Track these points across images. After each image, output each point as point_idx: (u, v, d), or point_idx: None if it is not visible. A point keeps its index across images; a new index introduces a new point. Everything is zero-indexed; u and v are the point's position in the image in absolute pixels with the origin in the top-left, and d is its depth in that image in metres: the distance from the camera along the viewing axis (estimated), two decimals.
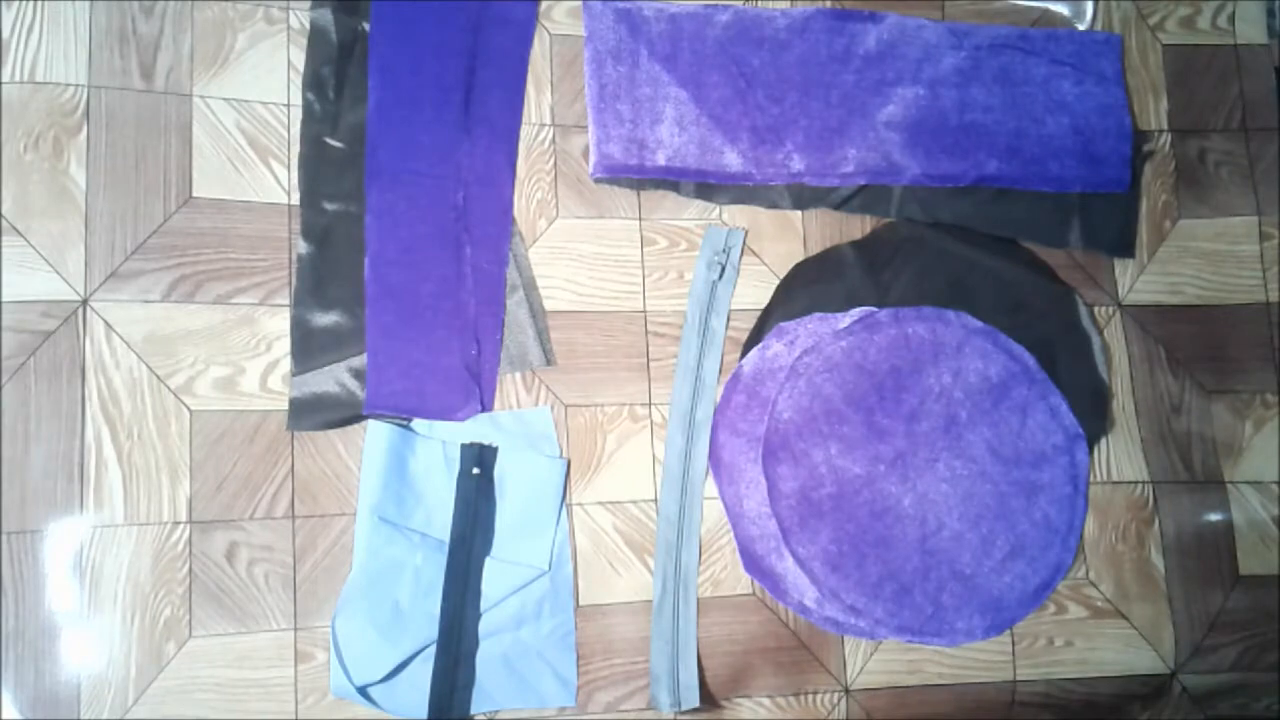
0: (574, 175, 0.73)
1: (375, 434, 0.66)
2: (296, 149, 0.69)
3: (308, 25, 0.71)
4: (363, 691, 0.63)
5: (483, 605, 0.66)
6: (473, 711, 0.65)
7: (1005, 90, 0.78)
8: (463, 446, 0.67)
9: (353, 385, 0.67)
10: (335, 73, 0.70)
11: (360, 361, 0.67)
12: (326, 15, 0.71)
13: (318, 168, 0.69)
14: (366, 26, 0.71)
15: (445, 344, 0.68)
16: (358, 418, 0.67)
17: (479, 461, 0.67)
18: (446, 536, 0.66)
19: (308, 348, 0.67)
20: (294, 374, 0.66)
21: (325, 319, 0.67)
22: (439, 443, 0.67)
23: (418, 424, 0.68)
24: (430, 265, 0.69)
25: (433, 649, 0.64)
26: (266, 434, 0.65)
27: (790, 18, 0.77)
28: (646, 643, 0.68)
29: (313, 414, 0.66)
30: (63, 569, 0.61)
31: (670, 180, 0.74)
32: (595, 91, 0.74)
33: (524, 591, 0.66)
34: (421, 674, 0.64)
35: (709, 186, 0.74)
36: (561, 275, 0.72)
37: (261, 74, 0.69)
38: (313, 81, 0.70)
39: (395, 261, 0.68)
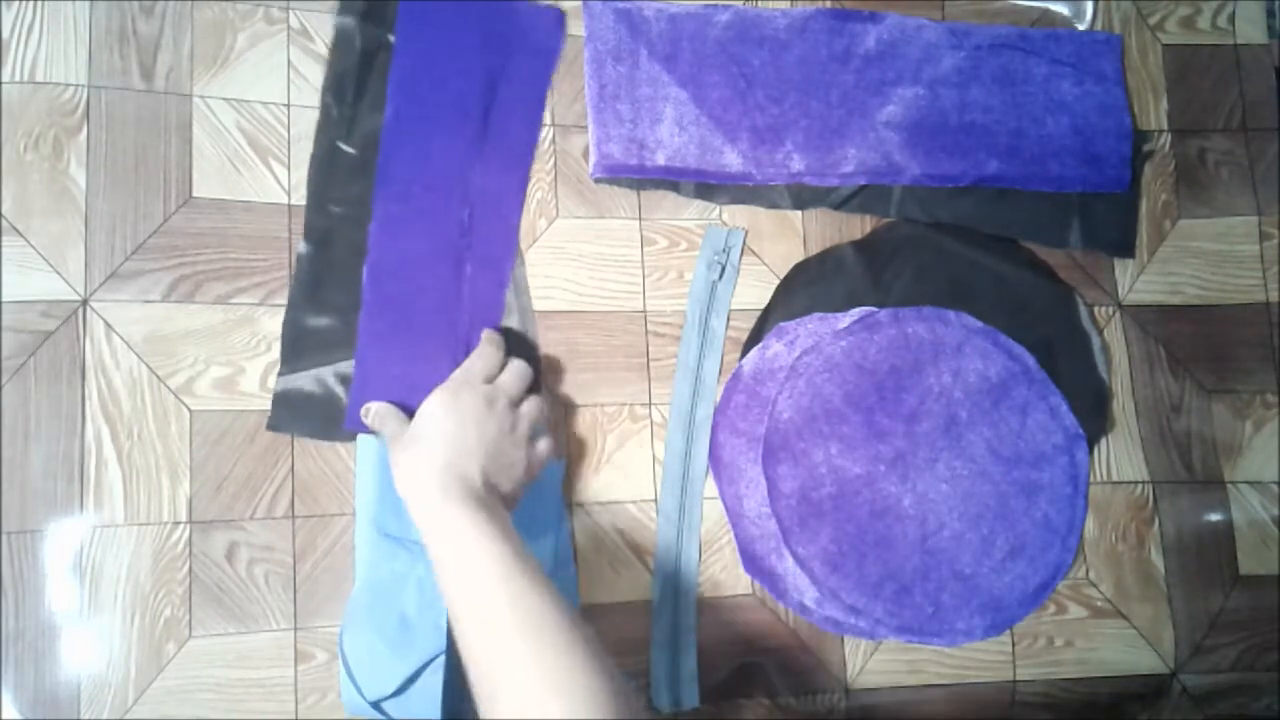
0: (574, 175, 0.73)
1: (365, 448, 0.66)
2: (294, 148, 0.69)
3: (332, 29, 0.70)
4: (376, 706, 0.63)
5: None
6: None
7: (1005, 90, 0.78)
8: None
9: (338, 390, 0.66)
10: (356, 80, 0.70)
11: (347, 367, 0.67)
12: (351, 22, 0.70)
13: (328, 171, 0.69)
14: (391, 38, 0.71)
15: (435, 360, 0.67)
16: (340, 432, 0.66)
17: None
18: None
19: (297, 348, 0.67)
20: (280, 373, 0.66)
21: (318, 321, 0.67)
22: None
23: None
24: (429, 278, 0.69)
25: (442, 658, 0.64)
26: (266, 434, 0.65)
27: (790, 18, 0.77)
28: (646, 643, 0.68)
29: (294, 415, 0.66)
30: (63, 569, 0.61)
31: (670, 180, 0.74)
32: (595, 91, 0.74)
33: None
34: (433, 684, 0.64)
35: (709, 186, 0.74)
36: (561, 275, 0.72)
37: (261, 74, 0.69)
38: (333, 85, 0.70)
39: (394, 272, 0.68)
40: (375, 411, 0.64)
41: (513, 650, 0.49)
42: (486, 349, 0.65)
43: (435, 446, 0.59)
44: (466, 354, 0.67)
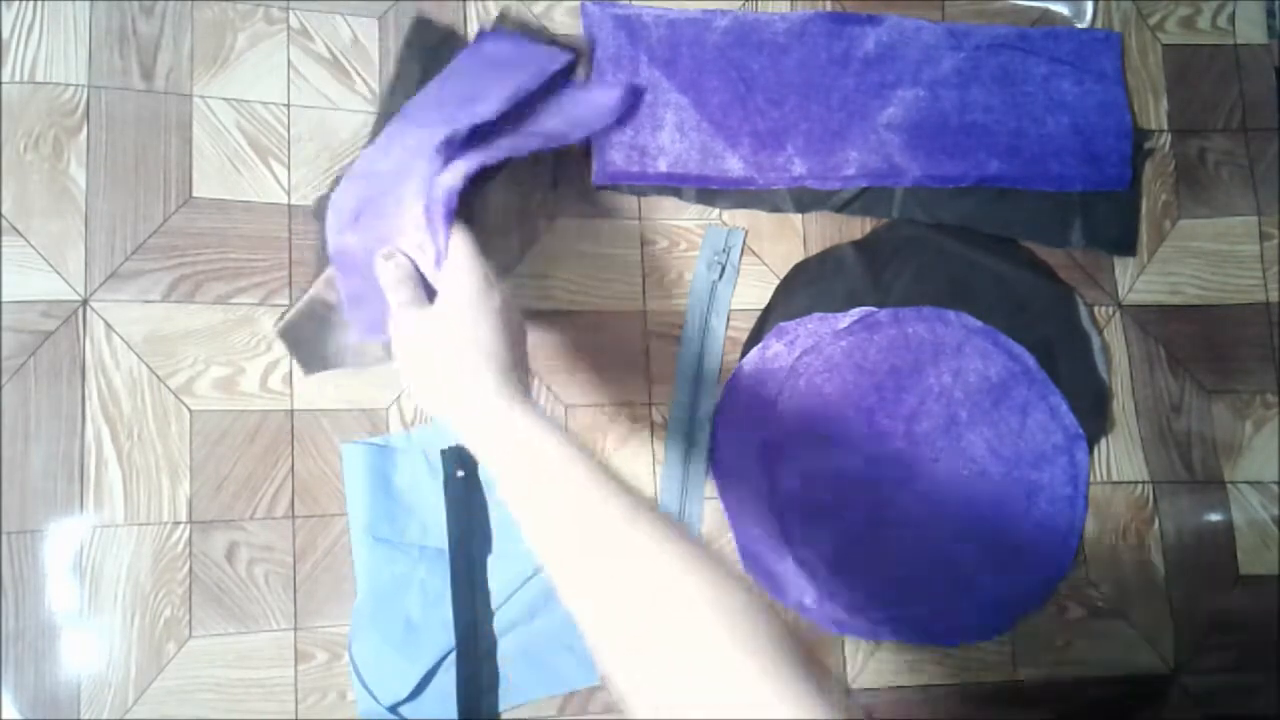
0: (574, 175, 0.73)
1: (351, 456, 0.66)
2: (294, 148, 0.69)
3: (395, 60, 0.71)
4: (394, 710, 0.63)
5: (493, 603, 0.66)
6: (501, 707, 0.65)
7: (1005, 90, 0.78)
8: (442, 452, 0.66)
9: (329, 298, 0.63)
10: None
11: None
12: (414, 53, 0.71)
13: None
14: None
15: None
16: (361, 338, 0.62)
17: (461, 463, 0.66)
18: (445, 544, 0.66)
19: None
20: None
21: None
22: (419, 453, 0.67)
23: (395, 437, 0.67)
24: (405, 173, 0.60)
25: (453, 656, 0.64)
26: (266, 434, 0.65)
27: (789, 22, 0.77)
28: None
29: (307, 342, 0.64)
30: (63, 569, 0.61)
31: (672, 186, 0.74)
32: None
33: (531, 582, 0.66)
34: (447, 683, 0.64)
35: (711, 192, 0.74)
36: (561, 275, 0.72)
37: (261, 74, 0.69)
38: (385, 99, 0.70)
39: (373, 166, 0.62)
40: (397, 263, 0.54)
41: (648, 576, 0.40)
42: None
43: (483, 338, 0.49)
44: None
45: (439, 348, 0.50)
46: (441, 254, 0.53)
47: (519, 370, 0.49)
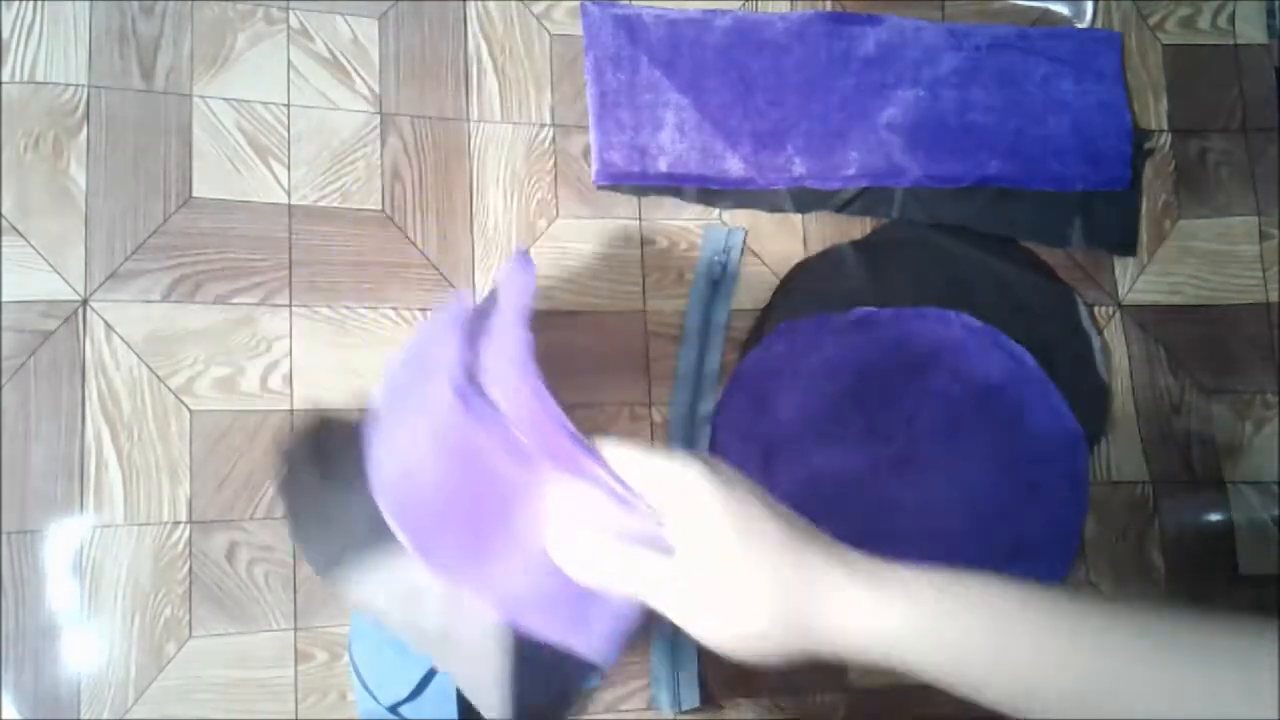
0: (574, 175, 0.73)
1: None
2: (293, 148, 0.69)
3: None
4: (394, 711, 0.63)
5: None
6: None
7: (1005, 90, 0.78)
8: None
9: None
10: None
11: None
12: None
13: None
14: None
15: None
16: None
17: None
18: None
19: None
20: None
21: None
22: None
23: None
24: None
25: None
26: (266, 434, 0.65)
27: (789, 22, 0.77)
28: (646, 643, 0.68)
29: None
30: (63, 569, 0.61)
31: (672, 186, 0.74)
32: (596, 99, 0.74)
33: None
34: (447, 683, 0.63)
35: (711, 192, 0.74)
36: (561, 275, 0.72)
37: (261, 74, 0.69)
38: None
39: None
40: (599, 554, 0.41)
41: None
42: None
43: (777, 536, 0.39)
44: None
45: (745, 588, 0.39)
46: (619, 493, 0.40)
47: (822, 535, 0.39)
